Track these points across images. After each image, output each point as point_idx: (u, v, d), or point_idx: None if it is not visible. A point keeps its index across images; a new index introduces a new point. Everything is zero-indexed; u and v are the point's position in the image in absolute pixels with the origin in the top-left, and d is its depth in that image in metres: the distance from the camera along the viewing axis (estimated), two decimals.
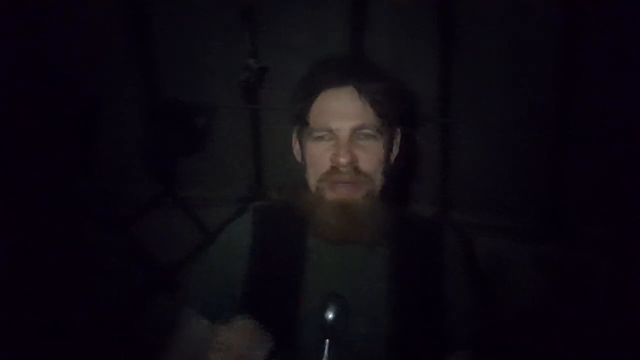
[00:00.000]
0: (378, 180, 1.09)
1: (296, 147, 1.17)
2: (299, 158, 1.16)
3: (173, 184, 2.27)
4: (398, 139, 1.17)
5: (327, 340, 0.98)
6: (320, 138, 1.07)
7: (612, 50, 1.73)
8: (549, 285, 1.99)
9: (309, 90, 1.08)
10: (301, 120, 1.10)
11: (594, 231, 1.95)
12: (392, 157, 1.16)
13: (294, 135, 1.16)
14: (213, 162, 2.20)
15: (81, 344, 2.17)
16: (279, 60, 1.95)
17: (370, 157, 1.06)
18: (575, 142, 1.90)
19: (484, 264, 2.06)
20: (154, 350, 1.21)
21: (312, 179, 1.09)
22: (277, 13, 1.96)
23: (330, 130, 1.05)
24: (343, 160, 1.03)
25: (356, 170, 1.05)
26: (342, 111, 1.05)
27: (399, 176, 1.21)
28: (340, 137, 1.04)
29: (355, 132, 1.05)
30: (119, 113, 2.17)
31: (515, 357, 2.02)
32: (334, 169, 1.05)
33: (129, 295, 2.30)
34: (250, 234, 1.13)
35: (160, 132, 2.08)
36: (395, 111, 1.10)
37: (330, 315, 0.99)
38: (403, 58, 1.94)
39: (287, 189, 2.05)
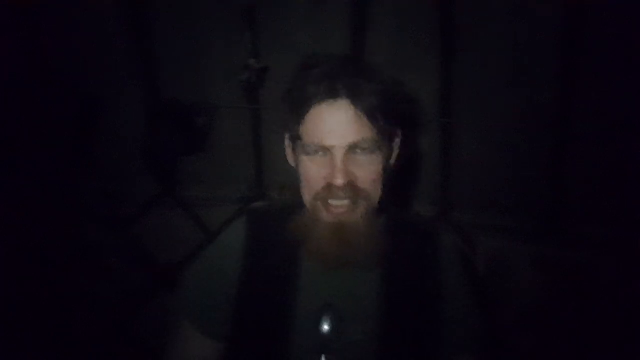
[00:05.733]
0: (377, 193, 1.03)
1: (289, 151, 1.09)
2: (292, 163, 1.09)
3: (173, 184, 2.27)
4: (398, 140, 1.11)
5: (323, 356, 0.96)
6: (315, 153, 0.98)
7: (612, 50, 1.74)
8: (549, 285, 1.99)
9: (300, 103, 0.99)
10: (293, 132, 1.02)
11: (594, 231, 1.95)
12: (392, 160, 1.11)
13: (286, 140, 1.08)
14: (213, 162, 2.20)
15: (81, 343, 2.17)
16: (279, 60, 1.95)
17: (368, 173, 0.99)
18: (575, 142, 1.90)
19: (484, 264, 2.06)
20: (153, 351, 1.21)
21: (307, 196, 1.02)
22: (277, 13, 1.96)
23: (324, 148, 0.97)
24: (339, 181, 0.96)
25: (353, 188, 0.98)
26: (336, 128, 0.96)
27: (399, 178, 1.18)
28: (336, 155, 0.96)
29: (351, 149, 0.97)
30: (119, 113, 2.17)
31: (516, 358, 2.02)
32: (330, 186, 0.98)
33: (129, 295, 2.30)
34: (243, 246, 1.09)
35: (161, 132, 2.08)
36: (395, 118, 1.04)
37: (325, 327, 0.98)
38: (403, 58, 1.94)
39: (288, 189, 2.05)
